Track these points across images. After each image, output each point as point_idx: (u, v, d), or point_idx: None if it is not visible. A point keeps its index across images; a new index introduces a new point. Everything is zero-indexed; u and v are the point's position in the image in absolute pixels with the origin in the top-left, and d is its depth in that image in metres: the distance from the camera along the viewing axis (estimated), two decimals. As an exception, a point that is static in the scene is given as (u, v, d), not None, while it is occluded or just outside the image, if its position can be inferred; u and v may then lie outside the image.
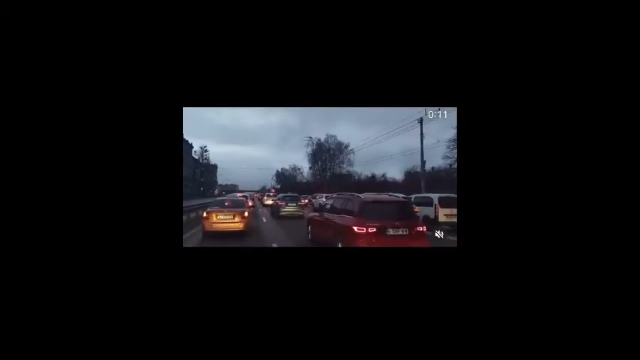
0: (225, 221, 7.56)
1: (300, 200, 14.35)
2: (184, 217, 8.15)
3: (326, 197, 19.01)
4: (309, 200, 21.19)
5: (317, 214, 6.28)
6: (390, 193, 9.76)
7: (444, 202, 8.55)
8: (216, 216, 7.57)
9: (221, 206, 8.00)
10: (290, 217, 12.90)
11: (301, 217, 12.68)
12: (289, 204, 13.53)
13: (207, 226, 7.54)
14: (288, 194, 15.99)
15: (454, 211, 7.78)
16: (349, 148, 46.28)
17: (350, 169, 45.26)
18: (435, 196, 8.90)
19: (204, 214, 7.69)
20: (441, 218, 8.42)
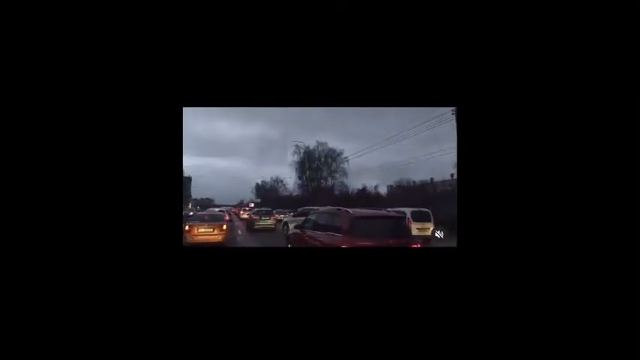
0: (205, 234, 8.59)
1: (272, 214, 16.46)
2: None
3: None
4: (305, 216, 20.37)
5: (298, 230, 6.03)
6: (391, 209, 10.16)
7: (416, 217, 9.03)
8: (197, 229, 8.57)
9: (201, 220, 9.11)
10: (263, 230, 14.64)
11: (273, 229, 14.79)
12: (262, 217, 15.32)
13: (189, 239, 8.51)
14: (262, 209, 18.58)
15: (425, 224, 8.72)
16: (343, 156, 45.65)
17: (344, 179, 44.17)
18: (408, 210, 9.30)
19: (187, 228, 8.69)
20: (414, 232, 8.68)
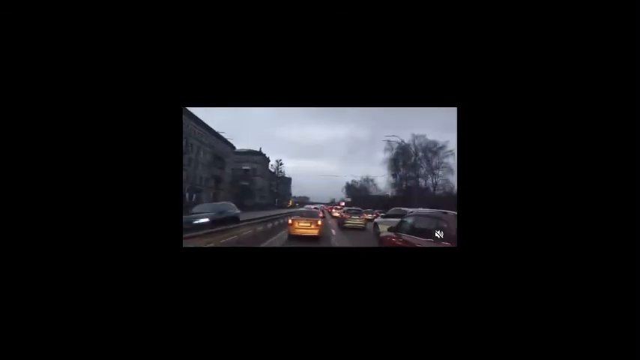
0: (304, 228, 10.20)
1: (362, 214, 17.39)
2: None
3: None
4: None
5: (392, 234, 5.56)
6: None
7: None
8: (298, 223, 10.29)
9: (300, 216, 10.85)
10: (353, 228, 15.48)
11: (364, 228, 15.41)
12: (352, 216, 16.36)
13: (292, 231, 10.26)
14: (352, 208, 19.95)
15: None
16: (446, 149, 36.81)
17: (450, 176, 36.35)
18: None
19: (290, 221, 10.57)
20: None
